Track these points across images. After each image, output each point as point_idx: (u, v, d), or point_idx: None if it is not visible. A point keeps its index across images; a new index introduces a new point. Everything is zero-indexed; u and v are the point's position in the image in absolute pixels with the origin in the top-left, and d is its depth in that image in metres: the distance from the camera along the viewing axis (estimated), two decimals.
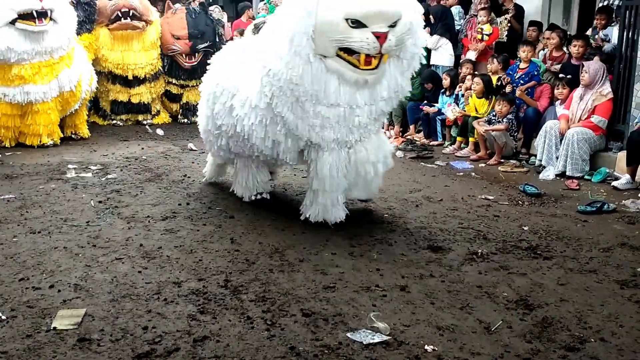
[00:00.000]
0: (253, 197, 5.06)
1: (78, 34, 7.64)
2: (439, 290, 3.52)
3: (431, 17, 8.47)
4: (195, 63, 8.62)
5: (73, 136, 7.65)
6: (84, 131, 7.83)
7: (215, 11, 11.80)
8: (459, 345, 2.91)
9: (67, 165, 6.30)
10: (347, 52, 3.95)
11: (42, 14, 6.68)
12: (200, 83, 8.47)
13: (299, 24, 3.86)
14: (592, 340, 2.98)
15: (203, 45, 8.51)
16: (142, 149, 7.30)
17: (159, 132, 8.39)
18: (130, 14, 8.18)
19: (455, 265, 3.90)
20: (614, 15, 7.30)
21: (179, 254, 3.99)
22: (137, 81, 8.56)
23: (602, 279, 3.73)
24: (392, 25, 3.91)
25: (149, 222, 4.62)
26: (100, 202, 5.09)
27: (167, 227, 4.51)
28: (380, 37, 3.82)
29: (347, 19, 3.81)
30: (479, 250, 4.13)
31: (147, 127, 8.64)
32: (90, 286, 3.47)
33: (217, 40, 8.71)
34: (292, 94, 4.05)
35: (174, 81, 8.96)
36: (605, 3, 7.86)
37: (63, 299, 3.31)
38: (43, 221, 4.57)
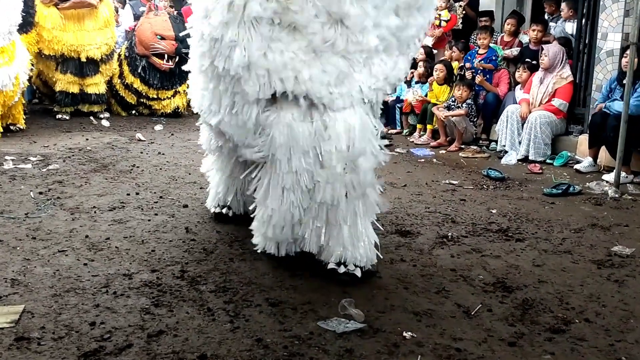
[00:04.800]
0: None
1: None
2: (412, 274, 3.31)
3: None
4: (173, 66, 8.17)
5: (11, 127, 7.14)
6: (21, 121, 7.32)
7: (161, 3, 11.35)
8: (439, 330, 2.70)
9: (4, 156, 5.84)
10: None
11: None
12: (170, 95, 8.23)
13: None
14: (577, 321, 2.81)
15: (186, 50, 8.10)
16: (87, 139, 6.87)
17: (105, 123, 7.95)
18: None
19: (425, 249, 3.70)
20: (563, 5, 7.25)
21: (129, 244, 3.66)
22: (92, 66, 8.01)
23: (578, 259, 3.59)
24: None
25: (95, 212, 4.26)
26: (40, 193, 4.68)
27: (116, 217, 4.16)
28: None
29: None
30: (449, 234, 3.95)
31: (91, 118, 8.16)
32: (29, 281, 3.12)
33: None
34: None
35: (140, 88, 8.39)
36: None
37: None
38: None
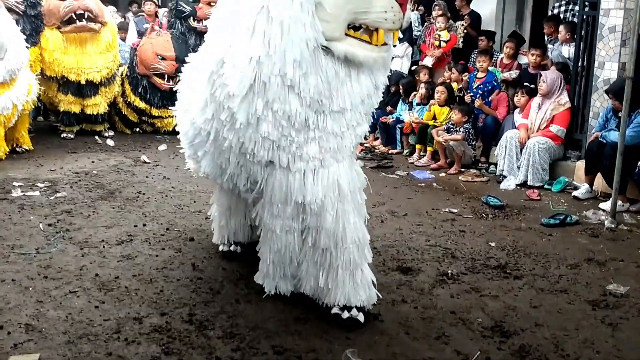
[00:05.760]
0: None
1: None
2: (413, 317, 3.41)
3: None
4: (173, 86, 8.29)
5: (17, 149, 7.26)
6: (28, 143, 7.45)
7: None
8: None
9: (12, 182, 5.95)
10: (353, 29, 2.94)
11: None
12: (172, 113, 8.29)
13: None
14: None
15: None
16: (93, 162, 6.98)
17: (110, 142, 8.07)
18: (86, 16, 7.76)
19: (426, 288, 3.81)
20: (561, 27, 7.30)
21: (138, 284, 3.77)
22: (91, 88, 8.12)
23: (574, 299, 3.70)
24: None
25: (103, 247, 4.37)
26: (49, 225, 4.79)
27: (124, 252, 4.27)
28: (403, 4, 2.86)
29: None
30: (449, 271, 4.06)
31: (96, 137, 8.28)
32: (43, 326, 3.22)
33: None
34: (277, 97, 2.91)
35: (141, 106, 8.51)
36: (556, 12, 7.95)
37: (14, 342, 3.06)
38: None
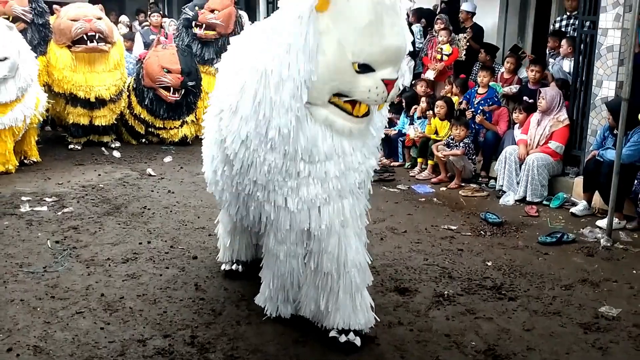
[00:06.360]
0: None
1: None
2: (408, 340, 3.51)
3: None
4: (179, 98, 8.45)
5: (26, 162, 7.40)
6: (35, 155, 7.59)
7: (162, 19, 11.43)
8: None
9: (20, 197, 6.08)
10: (339, 97, 3.04)
11: None
12: (178, 125, 8.57)
13: (295, 68, 2.86)
14: None
15: (191, 83, 8.42)
16: (99, 175, 7.10)
17: (116, 154, 8.20)
18: (97, 37, 7.90)
19: (422, 309, 3.90)
20: (563, 41, 7.33)
21: (142, 304, 3.88)
22: (100, 103, 8.27)
23: (566, 322, 3.79)
24: None
25: (109, 265, 4.49)
26: (57, 242, 4.92)
27: (129, 271, 4.39)
28: (389, 84, 2.95)
29: (354, 63, 2.89)
30: (445, 292, 4.15)
31: (103, 148, 8.42)
32: (50, 348, 3.35)
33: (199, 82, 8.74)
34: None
35: (147, 118, 8.67)
36: (557, 26, 8.02)
37: None
38: None
